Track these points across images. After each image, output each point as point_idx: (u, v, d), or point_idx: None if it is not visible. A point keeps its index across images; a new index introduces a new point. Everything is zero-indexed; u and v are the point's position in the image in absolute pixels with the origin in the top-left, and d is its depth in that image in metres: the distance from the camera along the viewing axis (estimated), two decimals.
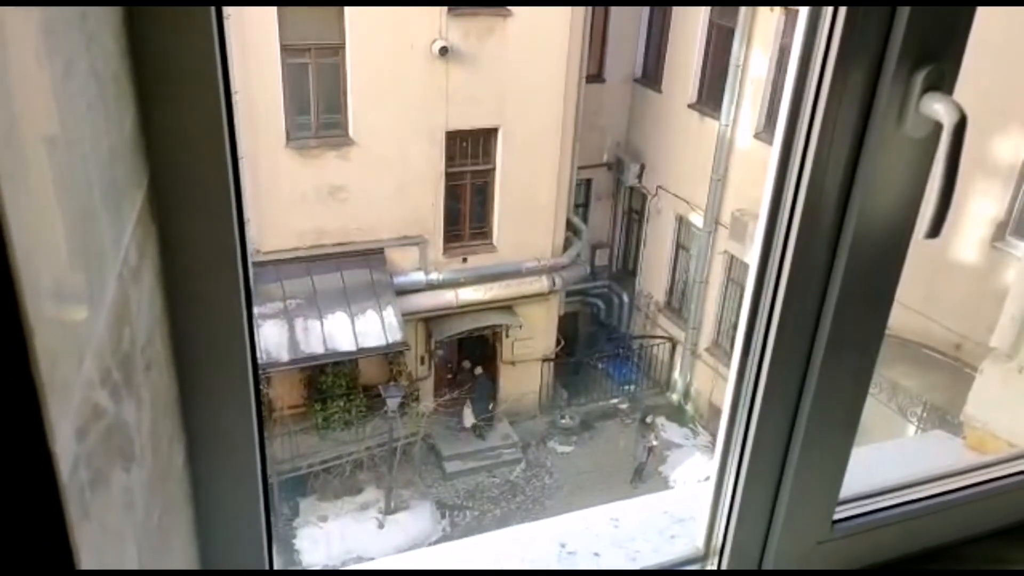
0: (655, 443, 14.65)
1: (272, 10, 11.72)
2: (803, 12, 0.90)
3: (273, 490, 13.29)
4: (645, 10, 16.46)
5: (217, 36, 0.76)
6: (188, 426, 0.86)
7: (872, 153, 0.91)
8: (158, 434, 0.77)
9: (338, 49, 12.43)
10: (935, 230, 0.85)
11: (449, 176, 13.76)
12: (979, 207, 10.40)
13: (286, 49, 12.04)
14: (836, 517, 1.16)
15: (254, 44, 11.67)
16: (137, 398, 0.69)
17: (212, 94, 0.75)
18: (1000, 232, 10.50)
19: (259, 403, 0.91)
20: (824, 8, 0.86)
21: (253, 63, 11.73)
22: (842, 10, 0.84)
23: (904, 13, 0.84)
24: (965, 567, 1.19)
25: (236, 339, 0.85)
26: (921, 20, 0.84)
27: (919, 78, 0.87)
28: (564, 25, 13.35)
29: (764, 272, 1.02)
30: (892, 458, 1.14)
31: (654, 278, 17.38)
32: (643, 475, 14.77)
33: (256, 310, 12.45)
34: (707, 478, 1.20)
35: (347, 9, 12.15)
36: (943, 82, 0.87)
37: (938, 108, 0.86)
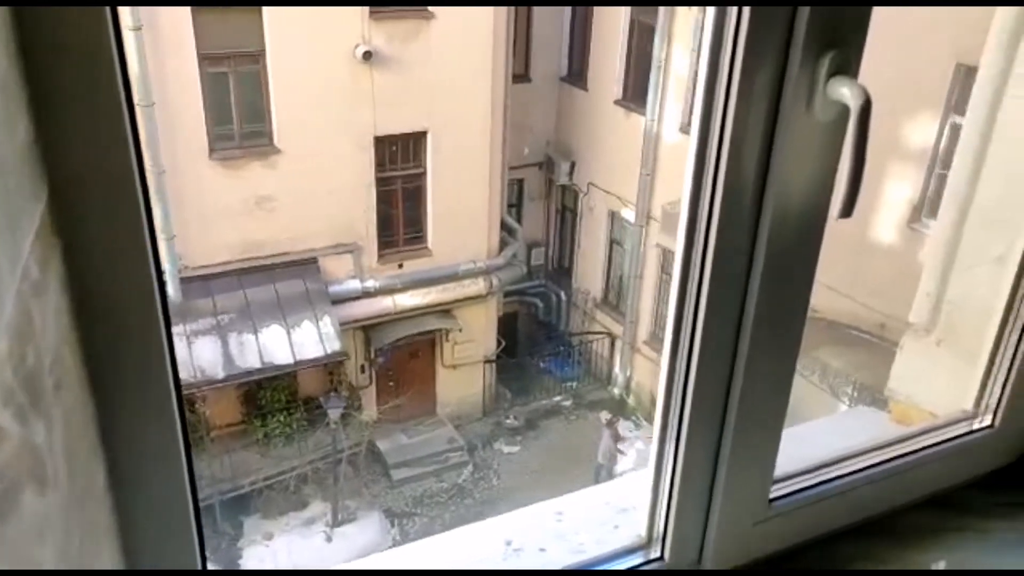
0: (618, 449, 14.73)
1: (188, 19, 11.46)
2: (709, 9, 0.92)
3: (215, 510, 12.99)
4: (567, 9, 16.59)
5: (114, 39, 0.73)
6: (108, 447, 0.83)
7: (784, 138, 0.93)
8: (74, 456, 0.73)
9: (258, 56, 12.22)
10: (847, 210, 0.87)
11: (380, 181, 13.66)
12: (896, 190, 10.79)
13: (204, 58, 11.79)
14: (772, 496, 1.18)
15: (171, 54, 11.39)
16: (47, 419, 0.66)
17: (111, 100, 0.72)
18: (916, 214, 10.91)
19: (184, 419, 0.88)
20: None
21: (171, 74, 11.45)
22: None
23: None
24: (900, 535, 1.23)
25: (154, 354, 0.81)
26: (824, 7, 0.86)
27: (824, 63, 0.89)
28: (488, 26, 13.37)
29: (689, 261, 1.04)
30: (822, 435, 1.17)
31: (590, 274, 17.54)
32: (600, 480, 14.86)
33: (188, 327, 12.18)
34: (646, 467, 1.21)
35: (266, 15, 11.95)
36: (848, 66, 0.89)
37: (844, 91, 0.88)
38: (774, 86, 0.91)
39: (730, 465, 1.10)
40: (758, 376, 1.06)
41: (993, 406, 1.33)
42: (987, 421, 1.33)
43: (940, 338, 1.42)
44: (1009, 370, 1.28)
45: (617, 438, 14.79)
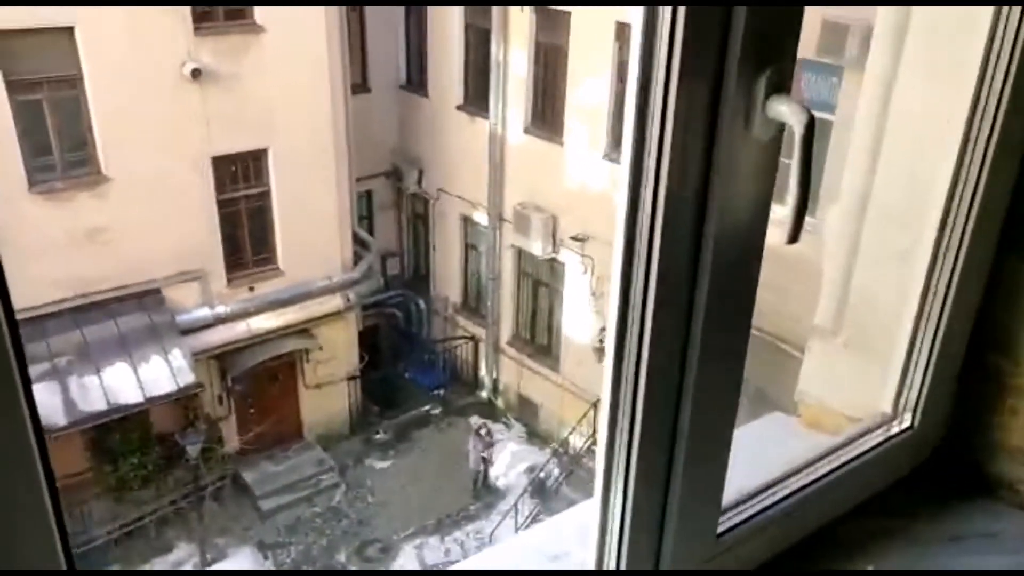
0: (489, 453, 14.70)
1: None
2: (637, 19, 0.86)
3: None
4: (401, 17, 16.45)
5: None
6: None
7: (723, 158, 0.89)
8: None
9: (75, 81, 11.38)
10: (795, 234, 0.84)
11: (222, 203, 13.06)
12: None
13: (13, 85, 10.86)
14: (720, 529, 1.15)
15: None
16: None
17: None
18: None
19: (51, 475, 0.78)
20: (661, 14, 0.82)
21: None
22: (680, 16, 0.81)
23: (741, 15, 0.82)
24: (840, 546, 1.23)
25: (8, 403, 0.69)
26: (756, 23, 0.83)
27: (761, 82, 0.86)
28: (321, 37, 13.05)
29: (628, 286, 0.98)
30: (743, 449, 1.14)
31: (447, 280, 17.49)
32: (478, 489, 14.81)
33: None
34: (592, 500, 1.14)
35: (79, 36, 11.15)
36: (784, 84, 0.86)
37: (784, 110, 0.85)
38: (710, 105, 0.87)
39: (681, 500, 1.06)
40: (705, 404, 1.03)
41: (911, 406, 1.36)
42: (907, 422, 1.36)
43: (847, 339, 1.44)
44: (926, 369, 1.31)
45: (488, 444, 14.81)
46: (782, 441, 1.46)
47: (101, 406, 11.62)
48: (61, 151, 11.62)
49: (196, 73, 11.97)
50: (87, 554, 12.26)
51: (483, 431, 14.82)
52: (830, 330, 1.45)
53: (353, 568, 13.56)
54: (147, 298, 12.51)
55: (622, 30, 12.44)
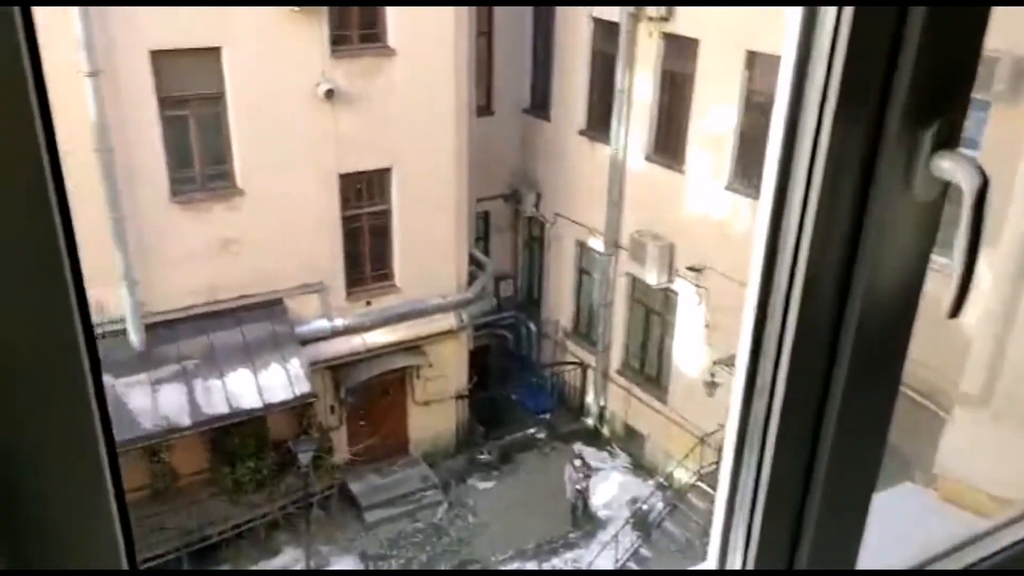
0: (585, 485, 14.48)
1: (147, 62, 11.24)
2: (788, 52, 0.80)
3: (183, 564, 12.56)
4: (528, 41, 16.64)
5: (27, 47, 0.62)
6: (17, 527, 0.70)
7: (877, 217, 0.81)
8: None
9: (219, 98, 12.03)
10: (957, 308, 0.76)
11: (346, 220, 13.48)
12: None
13: (164, 101, 11.57)
14: None
15: (130, 99, 11.16)
16: None
17: (19, 118, 0.60)
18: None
19: (120, 490, 0.77)
20: (816, 46, 0.75)
21: (130, 118, 11.22)
22: (840, 50, 0.74)
23: (910, 56, 0.74)
24: None
25: (78, 412, 0.69)
26: (927, 66, 0.75)
27: (928, 135, 0.77)
28: (449, 61, 13.33)
29: (759, 353, 0.91)
30: (872, 517, 1.04)
31: (559, 305, 17.46)
32: (578, 518, 14.61)
33: (152, 375, 11.84)
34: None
35: (225, 56, 11.78)
36: (953, 139, 0.78)
37: (952, 169, 0.76)
38: (866, 157, 0.79)
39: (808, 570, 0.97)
40: (839, 479, 0.94)
41: None
42: None
43: (997, 411, 1.31)
44: None
45: (584, 476, 14.53)
46: (918, 516, 1.33)
47: (223, 409, 12.13)
48: (202, 164, 12.28)
49: (329, 94, 12.44)
50: (202, 552, 12.79)
51: (578, 463, 14.57)
52: (978, 399, 1.32)
53: None
54: (271, 308, 13.01)
55: (752, 59, 12.17)
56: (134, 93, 11.21)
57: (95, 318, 10.32)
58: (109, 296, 11.69)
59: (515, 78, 16.74)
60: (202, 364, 12.26)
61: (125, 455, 12.10)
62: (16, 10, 0.62)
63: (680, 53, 13.59)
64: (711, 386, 13.51)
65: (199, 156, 12.23)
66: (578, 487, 14.41)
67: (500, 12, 16.21)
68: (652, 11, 13.55)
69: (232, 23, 11.54)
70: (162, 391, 11.89)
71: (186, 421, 11.89)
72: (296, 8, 11.79)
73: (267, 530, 13.36)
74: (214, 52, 11.75)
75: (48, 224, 0.64)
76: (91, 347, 0.69)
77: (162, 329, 12.20)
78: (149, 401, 11.76)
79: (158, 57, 11.33)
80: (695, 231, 13.68)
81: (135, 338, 11.91)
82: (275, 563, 13.41)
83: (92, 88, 10.71)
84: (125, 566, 0.77)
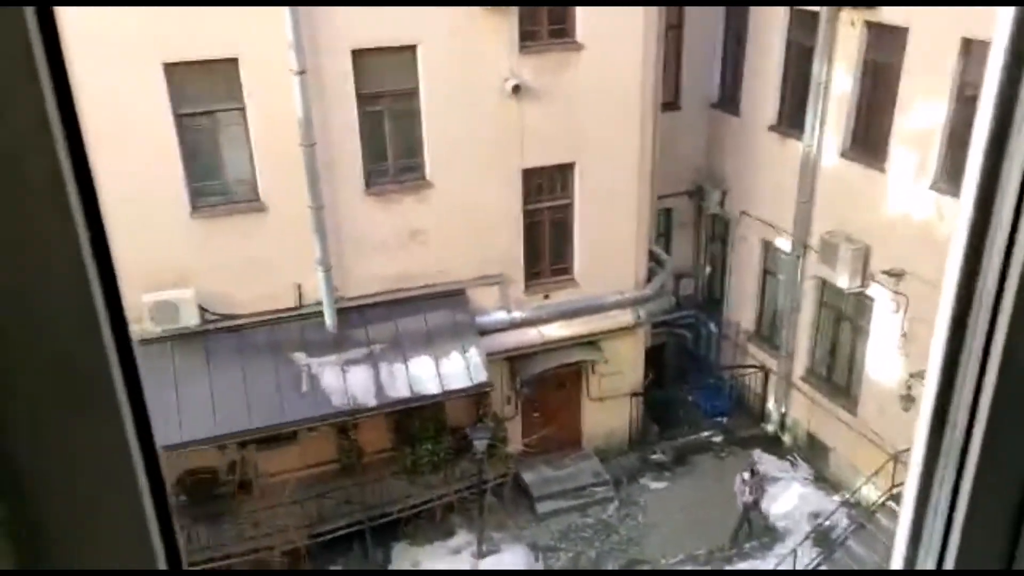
0: (753, 499, 13.83)
1: (348, 61, 11.88)
2: (998, 45, 0.70)
3: (366, 536, 13.25)
4: (719, 34, 16.17)
5: (43, 46, 0.61)
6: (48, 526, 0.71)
7: None
8: None
9: (413, 94, 12.52)
10: None
11: (527, 213, 13.67)
12: None
13: (362, 97, 12.20)
14: None
15: (332, 96, 11.86)
16: None
17: (34, 115, 0.60)
18: None
19: (160, 492, 0.78)
20: None
21: (332, 114, 11.91)
22: None
23: None
24: None
25: (108, 415, 0.69)
26: None
27: None
28: (637, 55, 13.18)
29: (953, 375, 0.80)
30: None
31: (742, 306, 16.88)
32: (740, 535, 13.98)
33: (343, 356, 12.55)
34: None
35: (420, 54, 12.24)
36: None
37: None
38: None
39: None
40: None
41: None
42: None
43: None
44: None
45: (756, 489, 13.84)
46: None
47: (405, 393, 12.67)
48: (395, 158, 12.86)
49: (516, 89, 12.64)
50: (383, 527, 13.45)
51: (748, 476, 13.89)
52: None
53: None
54: (453, 298, 13.43)
55: (968, 47, 11.17)
56: (336, 90, 11.89)
57: (292, 302, 11.00)
58: (307, 281, 12.52)
59: (703, 72, 16.31)
60: (388, 349, 12.86)
61: (318, 431, 12.95)
62: (31, 10, 0.61)
63: (886, 42, 12.71)
64: (906, 400, 12.60)
65: (392, 150, 12.81)
66: (746, 501, 13.81)
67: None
68: None
69: (428, 21, 11.98)
70: (351, 372, 12.59)
71: (372, 402, 12.52)
72: (489, 6, 12.06)
73: (443, 512, 13.83)
74: (410, 50, 12.24)
75: (68, 225, 0.64)
76: (124, 352, 0.70)
77: (353, 314, 12.91)
78: (339, 381, 12.49)
79: (359, 55, 11.96)
80: (894, 233, 12.78)
81: (329, 321, 12.67)
82: (449, 544, 13.87)
83: (299, 86, 11.46)
84: (162, 566, 0.78)
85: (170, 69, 11.14)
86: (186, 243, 11.89)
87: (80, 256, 0.65)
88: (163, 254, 11.72)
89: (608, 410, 15.51)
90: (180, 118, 11.49)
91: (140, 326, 11.68)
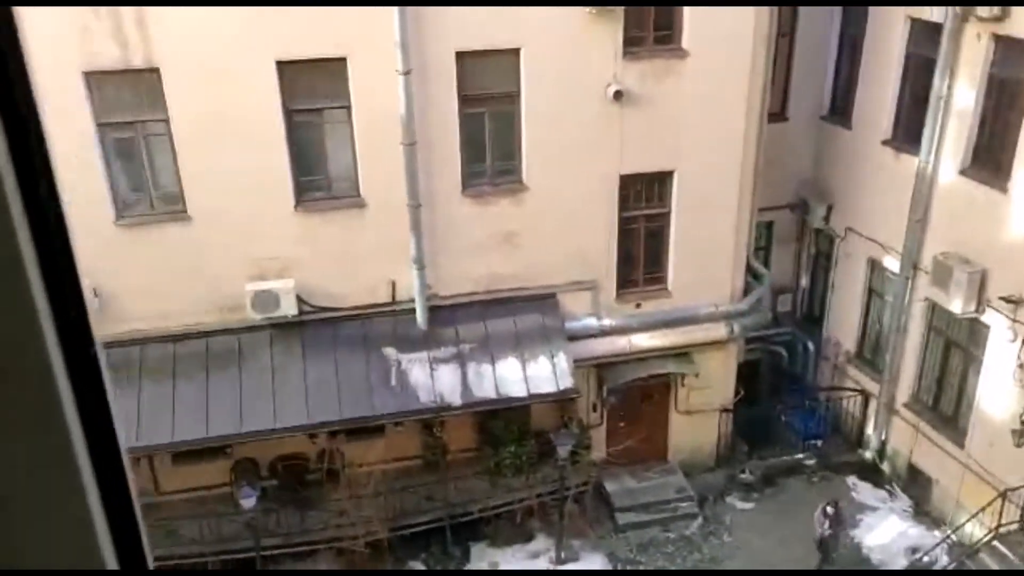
0: (831, 533, 13.17)
1: (452, 62, 11.98)
2: None
3: (446, 533, 13.36)
4: (834, 44, 15.60)
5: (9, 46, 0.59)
6: None
7: None
8: None
9: (514, 96, 12.55)
10: None
11: (623, 220, 13.50)
12: None
13: (464, 99, 12.30)
14: None
15: (435, 96, 12.00)
16: None
17: None
18: None
19: (115, 492, 0.77)
20: None
21: (434, 114, 12.06)
22: None
23: None
24: None
25: (51, 419, 0.68)
26: None
27: None
28: (745, 63, 12.85)
29: None
30: None
31: (843, 326, 16.24)
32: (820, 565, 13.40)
33: (431, 353, 12.69)
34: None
35: (523, 57, 12.25)
36: None
37: None
38: None
39: None
40: None
41: None
42: None
43: None
44: None
45: (836, 523, 13.17)
46: None
47: (491, 394, 12.71)
48: (492, 159, 12.92)
49: (618, 95, 12.50)
50: (462, 526, 13.54)
51: (830, 509, 13.22)
52: None
53: None
54: (543, 301, 13.39)
55: None
56: (438, 91, 12.03)
57: (386, 297, 11.22)
58: (401, 277, 12.71)
59: (815, 83, 15.77)
60: (477, 349, 12.93)
61: (404, 426, 13.14)
62: None
63: (1015, 57, 12.00)
64: (1019, 435, 11.86)
65: (490, 152, 12.86)
66: (824, 534, 13.19)
67: (805, 12, 15.34)
68: (983, 11, 12.08)
69: (532, 25, 11.98)
70: (439, 370, 12.71)
71: (458, 401, 12.61)
72: (593, 9, 11.97)
73: (523, 515, 13.82)
74: (513, 53, 12.27)
75: (8, 235, 0.62)
76: (72, 358, 0.68)
77: (444, 312, 13.04)
78: (427, 378, 12.63)
79: (462, 57, 12.06)
80: (1014, 257, 12.05)
81: (420, 318, 12.84)
82: (528, 548, 13.85)
83: (404, 86, 11.65)
84: (112, 566, 0.75)
85: (283, 67, 11.49)
86: (289, 236, 12.25)
87: (18, 261, 0.63)
88: (267, 245, 12.12)
89: (696, 424, 15.18)
90: (290, 114, 11.84)
91: (241, 314, 12.11)
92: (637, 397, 14.79)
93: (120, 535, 0.77)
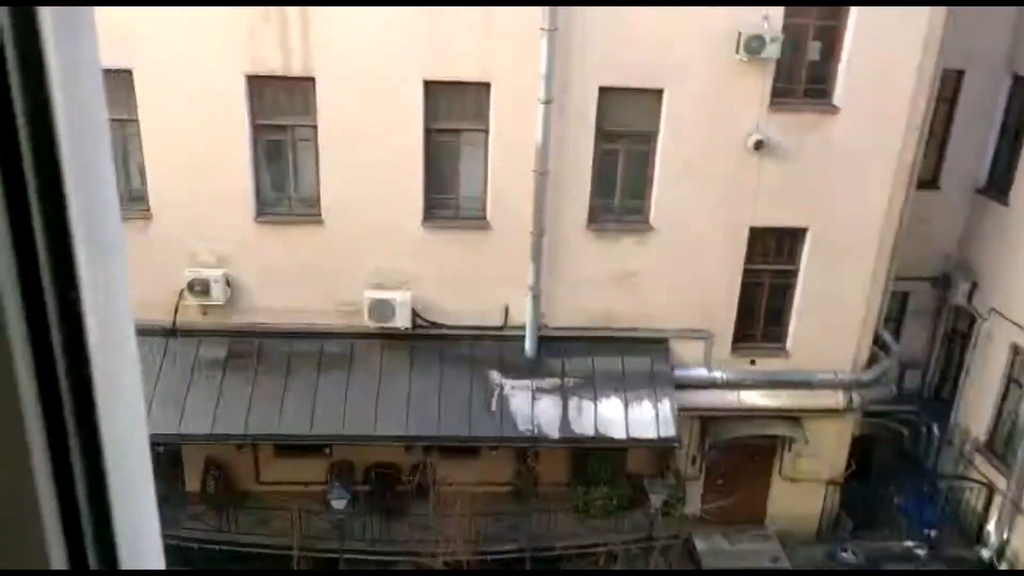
0: None
1: (594, 97, 11.96)
2: None
3: (526, 565, 13.23)
4: (998, 113, 14.70)
5: None
6: None
7: None
8: None
9: (651, 137, 12.42)
10: None
11: (747, 273, 13.11)
12: None
13: (601, 133, 12.26)
14: None
15: (571, 128, 12.01)
16: None
17: None
18: None
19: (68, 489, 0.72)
20: None
21: (568, 146, 12.07)
22: None
23: None
24: None
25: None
26: None
27: None
28: (899, 126, 12.28)
29: None
30: None
31: (975, 412, 15.19)
32: None
33: (535, 382, 12.65)
34: None
35: (666, 98, 12.11)
36: None
37: None
38: None
39: None
40: None
41: None
42: None
43: None
44: None
45: None
46: None
47: (590, 432, 12.54)
48: (621, 196, 12.80)
49: (759, 145, 12.18)
50: (543, 560, 13.37)
51: None
52: None
53: None
54: (654, 345, 13.15)
55: None
56: (577, 123, 12.04)
57: (498, 321, 11.24)
58: (515, 303, 12.75)
59: (973, 153, 14.89)
60: (581, 384, 12.80)
61: (499, 451, 13.13)
62: None
63: None
64: None
65: (620, 189, 12.76)
66: None
67: (970, 78, 14.52)
68: None
69: (678, 67, 11.83)
70: (540, 400, 12.66)
71: (555, 434, 12.51)
72: (744, 56, 11.70)
73: (606, 559, 13.53)
74: (656, 93, 12.15)
75: None
76: (37, 350, 0.64)
77: (553, 343, 12.99)
78: (528, 407, 12.59)
79: (605, 92, 12.03)
80: None
81: (528, 346, 12.83)
82: None
83: (543, 115, 11.72)
84: (60, 566, 0.71)
85: (429, 86, 11.79)
86: (412, 249, 12.51)
87: None
88: (390, 257, 12.42)
89: (799, 493, 14.51)
90: (429, 132, 12.12)
91: (356, 320, 12.44)
92: (740, 455, 14.28)
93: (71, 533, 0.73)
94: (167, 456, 13.47)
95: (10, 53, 0.60)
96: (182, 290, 12.17)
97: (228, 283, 12.26)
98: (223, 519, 13.13)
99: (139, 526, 0.81)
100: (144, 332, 12.33)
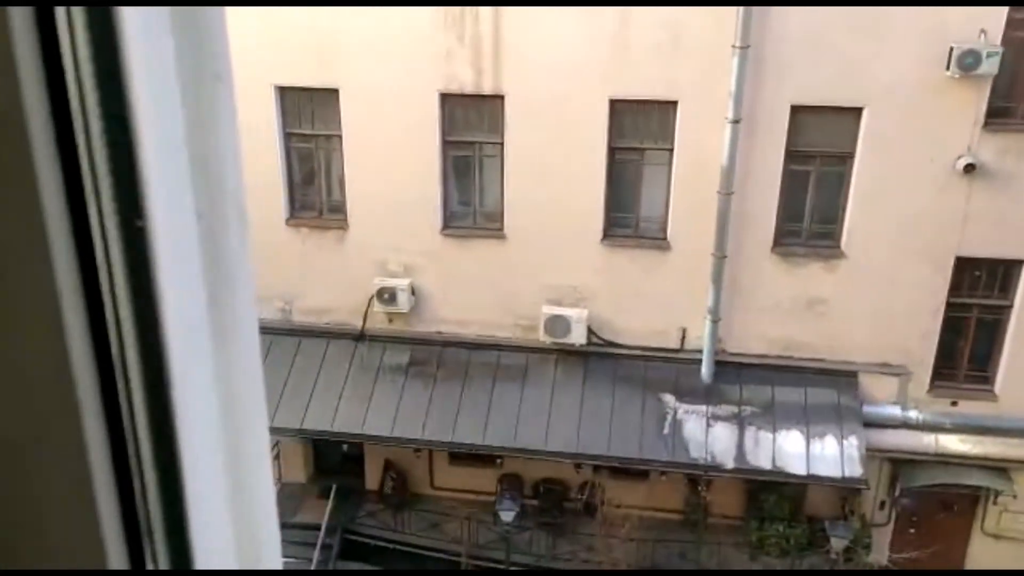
0: None
1: (786, 116, 11.53)
2: None
3: None
4: None
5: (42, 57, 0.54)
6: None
7: None
8: None
9: (846, 158, 11.79)
10: None
11: (951, 306, 12.11)
12: None
13: (791, 154, 11.78)
14: None
15: (760, 148, 11.65)
16: None
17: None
18: None
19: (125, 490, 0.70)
20: None
21: (758, 167, 11.73)
22: None
23: None
24: None
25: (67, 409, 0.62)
26: None
27: None
28: None
29: None
30: None
31: None
32: None
33: (710, 409, 12.29)
34: None
35: (865, 117, 11.47)
36: None
37: None
38: None
39: None
40: None
41: None
42: None
43: None
44: None
45: None
46: None
47: (766, 464, 11.99)
48: (810, 220, 12.22)
49: (969, 168, 11.26)
50: None
51: None
52: None
53: None
54: (841, 378, 12.40)
55: None
56: (765, 143, 11.64)
57: (674, 343, 11.00)
58: (692, 326, 12.46)
59: None
60: (759, 414, 12.29)
61: (669, 477, 12.82)
62: (20, 10, 0.54)
63: None
64: None
65: (809, 212, 12.19)
66: None
67: None
68: None
69: (880, 84, 11.17)
70: (715, 427, 12.25)
71: (729, 464, 12.06)
72: (956, 73, 10.87)
73: None
74: (854, 112, 11.54)
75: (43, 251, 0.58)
76: (102, 357, 0.62)
77: (730, 369, 12.56)
78: (702, 433, 12.23)
79: (797, 111, 11.57)
80: None
81: (705, 371, 12.48)
82: None
83: (730, 134, 11.43)
84: (123, 566, 0.68)
85: (614, 105, 11.81)
86: (590, 267, 12.53)
87: (50, 268, 0.60)
88: (568, 273, 12.50)
89: (1004, 551, 13.15)
90: (612, 151, 12.13)
91: (533, 335, 12.61)
92: (935, 504, 13.15)
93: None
94: (351, 454, 14.23)
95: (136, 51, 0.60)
96: (371, 297, 12.82)
97: (413, 292, 12.80)
98: (397, 520, 13.66)
99: (258, 522, 0.80)
100: (336, 335, 13.14)
